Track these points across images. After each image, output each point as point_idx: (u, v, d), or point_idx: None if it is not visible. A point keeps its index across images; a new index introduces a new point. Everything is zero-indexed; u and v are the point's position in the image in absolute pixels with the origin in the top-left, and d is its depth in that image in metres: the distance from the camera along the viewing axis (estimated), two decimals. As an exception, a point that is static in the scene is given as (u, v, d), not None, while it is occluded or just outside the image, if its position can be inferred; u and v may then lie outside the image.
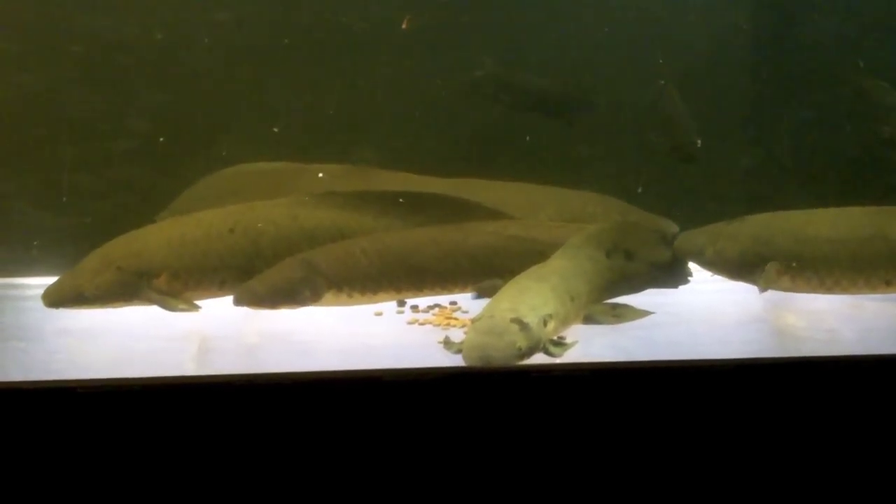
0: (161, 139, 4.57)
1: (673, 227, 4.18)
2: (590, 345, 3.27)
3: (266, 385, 2.70)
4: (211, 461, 2.60)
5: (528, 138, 4.96)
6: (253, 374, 2.83)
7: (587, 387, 2.79)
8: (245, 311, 3.80)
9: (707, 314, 3.86)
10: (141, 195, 4.42)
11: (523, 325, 2.97)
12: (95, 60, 4.53)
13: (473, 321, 3.05)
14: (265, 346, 3.43)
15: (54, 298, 3.71)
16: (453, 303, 3.95)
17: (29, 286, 4.00)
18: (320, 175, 4.22)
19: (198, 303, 3.74)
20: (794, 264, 3.93)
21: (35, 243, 4.41)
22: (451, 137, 4.89)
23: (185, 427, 2.59)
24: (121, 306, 3.72)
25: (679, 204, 4.77)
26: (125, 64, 4.56)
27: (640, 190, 4.73)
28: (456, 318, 3.70)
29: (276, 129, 4.52)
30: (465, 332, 3.02)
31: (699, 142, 4.68)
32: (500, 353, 2.88)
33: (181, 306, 3.69)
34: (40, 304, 3.69)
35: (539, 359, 3.03)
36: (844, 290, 3.97)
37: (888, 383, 2.89)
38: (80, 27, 4.48)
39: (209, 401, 2.63)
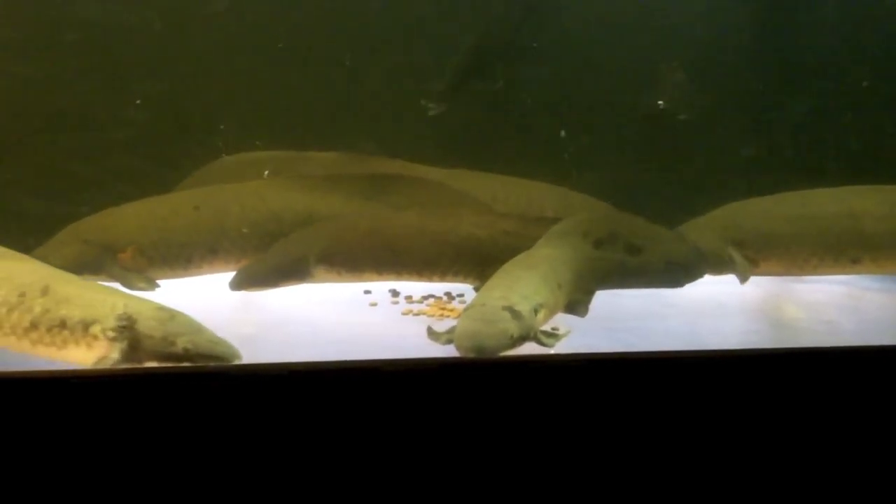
0: (158, 129, 4.58)
1: None
2: (587, 335, 3.26)
3: (261, 375, 2.68)
4: (206, 451, 2.59)
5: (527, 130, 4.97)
6: (248, 363, 2.82)
7: (585, 377, 2.78)
8: (240, 299, 3.81)
9: (706, 305, 3.85)
10: (138, 184, 4.41)
11: (515, 314, 2.95)
12: (92, 50, 4.52)
13: (465, 309, 3.03)
14: (260, 336, 3.42)
15: None
16: (448, 293, 3.94)
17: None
18: (266, 174, 4.20)
19: (200, 287, 3.77)
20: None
21: (32, 232, 4.40)
22: (446, 129, 4.89)
23: (180, 417, 2.58)
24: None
25: (678, 196, 4.77)
26: (122, 53, 4.56)
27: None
28: (451, 309, 3.68)
29: (221, 126, 4.50)
30: (458, 321, 3.00)
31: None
32: (492, 340, 2.86)
33: (140, 284, 3.71)
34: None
35: (534, 349, 3.01)
36: (815, 270, 3.99)
37: (886, 374, 2.88)
38: (77, 16, 4.47)
39: (204, 390, 2.62)
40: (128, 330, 2.76)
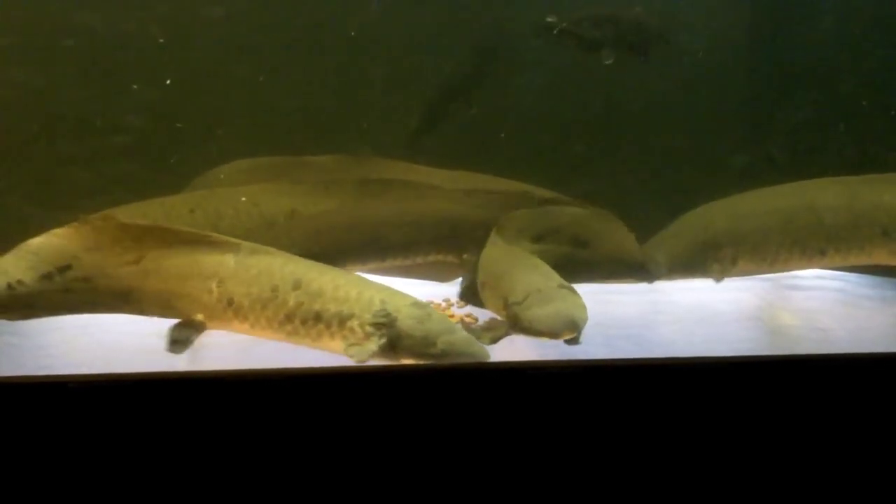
0: (156, 134, 4.59)
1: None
2: (583, 343, 3.26)
3: (258, 380, 2.69)
4: (203, 456, 2.59)
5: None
6: (245, 369, 2.83)
7: (581, 384, 2.79)
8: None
9: (701, 313, 3.87)
10: (135, 190, 4.42)
11: (572, 290, 2.98)
12: (90, 56, 4.53)
13: (517, 302, 3.04)
14: (258, 342, 3.41)
15: None
16: (447, 300, 3.95)
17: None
18: (243, 199, 4.14)
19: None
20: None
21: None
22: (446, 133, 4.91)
23: (177, 422, 2.58)
24: None
25: (673, 202, 4.78)
26: (120, 60, 4.56)
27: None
28: (451, 315, 3.69)
29: (174, 127, 4.49)
30: (519, 312, 3.00)
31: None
32: (581, 311, 2.91)
33: None
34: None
35: (532, 355, 3.03)
36: (786, 265, 4.02)
37: (880, 382, 2.89)
38: (74, 23, 4.47)
39: (201, 396, 2.62)
40: (386, 327, 2.81)
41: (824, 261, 4.04)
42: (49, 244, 3.14)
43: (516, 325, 3.04)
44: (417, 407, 2.67)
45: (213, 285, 3.07)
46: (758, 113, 5.17)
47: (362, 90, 4.82)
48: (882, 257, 3.98)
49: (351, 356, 2.84)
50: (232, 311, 3.05)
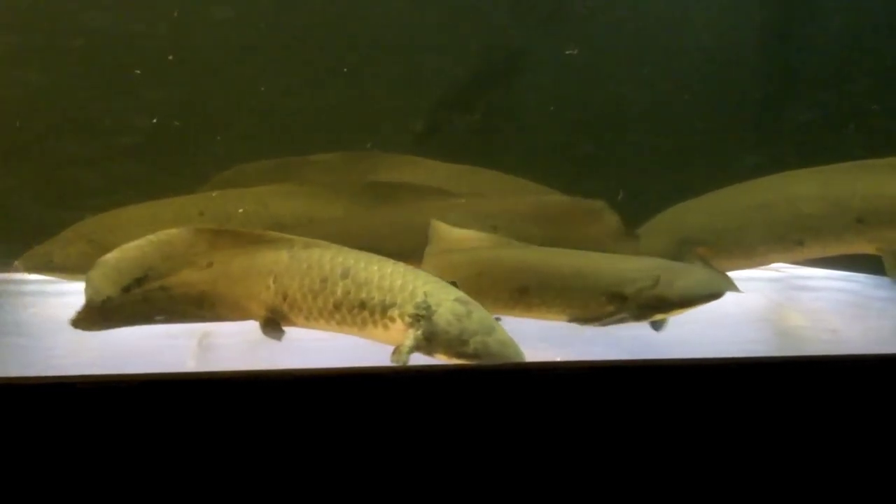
0: (163, 135, 4.59)
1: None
2: (592, 343, 3.26)
3: (266, 382, 2.68)
4: (211, 458, 2.59)
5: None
6: (254, 370, 2.82)
7: (591, 385, 2.78)
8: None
9: (711, 314, 3.85)
10: (141, 191, 4.43)
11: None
12: (97, 57, 4.53)
13: (649, 287, 3.14)
14: (266, 343, 3.41)
15: (27, 263, 3.88)
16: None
17: (29, 282, 4.00)
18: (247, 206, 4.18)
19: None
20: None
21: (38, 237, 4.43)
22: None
23: (185, 423, 2.58)
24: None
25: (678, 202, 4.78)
26: (126, 60, 4.57)
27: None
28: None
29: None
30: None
31: None
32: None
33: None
34: (40, 300, 3.70)
35: (545, 356, 3.02)
36: (765, 259, 3.99)
37: (891, 383, 2.88)
38: (81, 23, 4.48)
39: (210, 397, 2.62)
40: (425, 320, 2.82)
41: (804, 252, 3.97)
42: (126, 256, 3.20)
43: (660, 306, 3.16)
44: (425, 408, 2.67)
45: (270, 281, 3.14)
46: (767, 113, 5.15)
47: (370, 91, 4.82)
48: (861, 245, 3.89)
49: (394, 362, 2.86)
50: (287, 304, 3.12)
